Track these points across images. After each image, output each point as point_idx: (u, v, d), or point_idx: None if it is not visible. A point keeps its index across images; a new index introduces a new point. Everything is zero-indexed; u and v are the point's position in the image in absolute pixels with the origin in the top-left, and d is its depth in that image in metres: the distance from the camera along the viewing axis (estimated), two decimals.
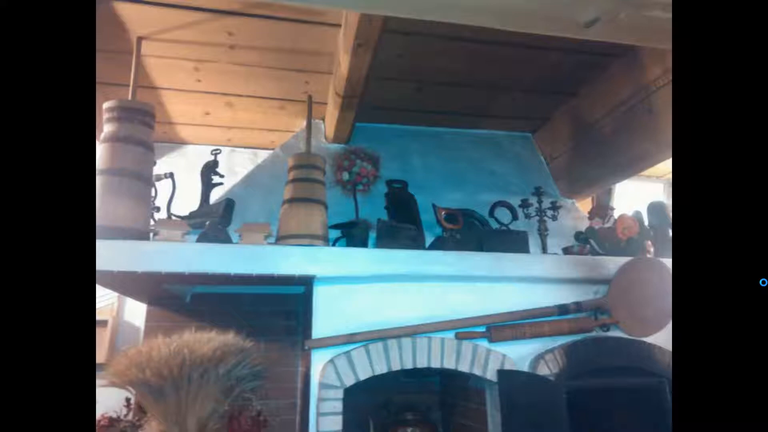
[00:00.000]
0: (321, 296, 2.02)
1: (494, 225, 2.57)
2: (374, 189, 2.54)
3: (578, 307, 2.21)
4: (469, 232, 2.43)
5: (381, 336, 1.97)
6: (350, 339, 1.94)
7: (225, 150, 2.98)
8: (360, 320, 2.00)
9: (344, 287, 2.03)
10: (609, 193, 3.62)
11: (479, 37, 2.31)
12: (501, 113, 3.11)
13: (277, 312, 2.39)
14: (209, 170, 2.47)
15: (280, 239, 2.11)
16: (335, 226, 2.31)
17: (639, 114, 2.50)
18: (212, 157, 2.50)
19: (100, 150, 1.98)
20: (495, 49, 2.42)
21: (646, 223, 2.68)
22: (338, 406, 1.87)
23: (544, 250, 2.52)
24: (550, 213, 2.61)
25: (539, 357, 2.12)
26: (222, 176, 2.49)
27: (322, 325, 1.98)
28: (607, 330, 2.26)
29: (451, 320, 2.06)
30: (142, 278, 1.87)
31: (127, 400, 1.89)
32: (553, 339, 2.17)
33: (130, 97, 2.18)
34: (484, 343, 2.09)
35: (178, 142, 3.19)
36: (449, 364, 2.02)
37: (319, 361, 1.93)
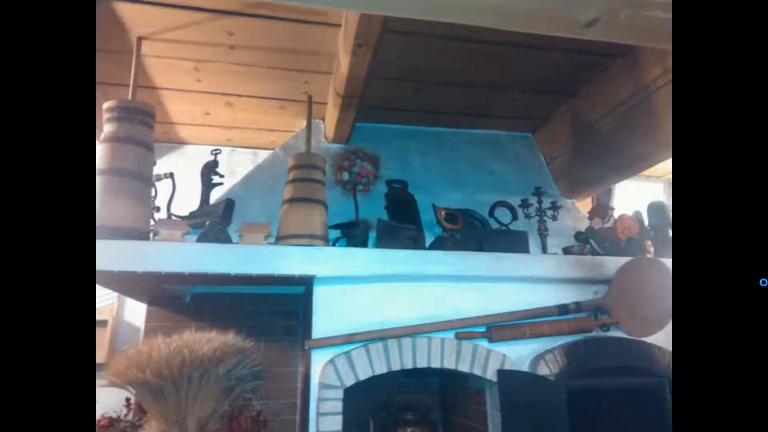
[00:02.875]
0: (321, 296, 2.02)
1: (494, 225, 2.57)
2: (374, 189, 2.54)
3: (578, 307, 2.21)
4: (469, 232, 2.43)
5: (381, 336, 1.97)
6: (350, 339, 1.94)
7: (225, 150, 2.98)
8: (360, 320, 2.00)
9: (344, 287, 2.03)
10: (609, 193, 3.62)
11: (479, 37, 2.31)
12: (501, 113, 3.11)
13: (277, 312, 2.39)
14: (209, 170, 2.47)
15: (280, 239, 2.11)
16: (335, 226, 2.31)
17: (639, 114, 2.50)
18: (212, 157, 2.51)
19: (100, 150, 1.98)
20: (495, 49, 2.42)
21: (646, 223, 2.68)
22: (338, 406, 1.87)
23: (544, 250, 2.52)
24: (550, 213, 2.61)
25: (539, 357, 2.12)
26: (222, 176, 2.49)
27: (322, 325, 1.98)
28: (607, 330, 2.26)
29: (451, 320, 2.06)
30: (142, 278, 1.87)
31: (127, 400, 1.89)
32: (553, 339, 2.17)
33: (130, 97, 2.17)
34: (484, 343, 2.09)
35: (178, 142, 3.19)
36: (449, 364, 2.02)
37: (319, 361, 1.93)
